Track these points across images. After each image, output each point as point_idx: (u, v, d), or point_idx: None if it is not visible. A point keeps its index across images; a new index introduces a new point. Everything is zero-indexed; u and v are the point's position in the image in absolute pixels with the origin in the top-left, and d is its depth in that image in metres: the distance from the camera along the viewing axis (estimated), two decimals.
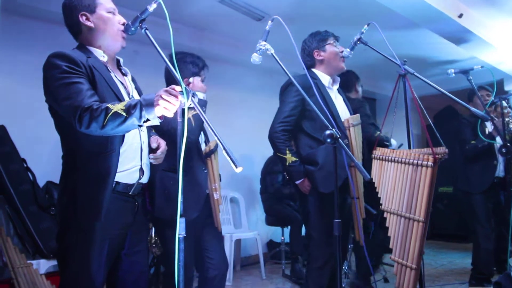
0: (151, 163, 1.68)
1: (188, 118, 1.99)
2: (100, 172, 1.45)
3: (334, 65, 2.34)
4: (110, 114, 1.32)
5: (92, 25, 1.56)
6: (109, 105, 1.35)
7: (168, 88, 1.33)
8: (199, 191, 2.09)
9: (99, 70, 1.51)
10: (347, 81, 3.48)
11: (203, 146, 2.22)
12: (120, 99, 1.51)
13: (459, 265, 4.36)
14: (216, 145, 2.22)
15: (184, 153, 2.00)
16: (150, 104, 1.34)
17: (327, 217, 2.17)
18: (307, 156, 2.27)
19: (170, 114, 1.35)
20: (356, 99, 3.36)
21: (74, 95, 1.36)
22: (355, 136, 2.21)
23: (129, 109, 1.33)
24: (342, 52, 2.29)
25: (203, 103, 2.06)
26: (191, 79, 2.16)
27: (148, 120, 1.37)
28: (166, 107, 1.31)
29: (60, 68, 1.40)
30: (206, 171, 2.13)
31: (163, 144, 1.66)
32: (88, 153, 1.46)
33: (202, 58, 2.25)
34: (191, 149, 2.08)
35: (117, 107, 1.34)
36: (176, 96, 1.31)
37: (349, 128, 2.21)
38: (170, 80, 2.24)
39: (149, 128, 1.71)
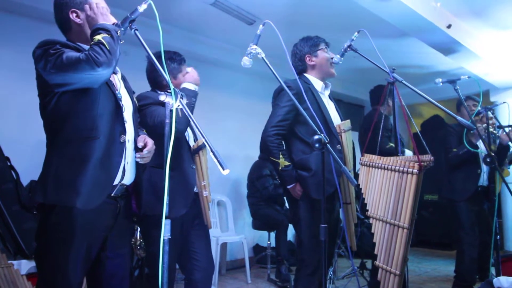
0: (137, 163, 1.66)
1: (176, 109, 1.98)
2: (79, 156, 1.43)
3: (325, 71, 2.35)
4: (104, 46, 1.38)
5: (81, 22, 1.55)
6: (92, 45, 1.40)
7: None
8: (188, 188, 2.07)
9: None
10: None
11: (191, 143, 2.21)
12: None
13: (443, 272, 4.40)
14: (202, 144, 2.22)
15: (173, 149, 2.00)
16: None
17: (318, 223, 2.17)
18: (299, 161, 2.26)
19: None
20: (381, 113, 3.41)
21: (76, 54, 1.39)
22: (347, 142, 2.22)
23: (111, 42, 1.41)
24: (332, 58, 2.31)
25: (193, 94, 2.04)
26: (188, 69, 2.14)
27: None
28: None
29: (49, 45, 1.42)
30: (194, 167, 2.13)
31: (150, 143, 1.64)
32: (70, 136, 1.45)
33: (179, 53, 2.22)
34: (181, 145, 2.06)
35: (97, 38, 1.41)
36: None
37: (341, 134, 2.21)
38: (155, 79, 2.21)
39: (136, 126, 1.69)
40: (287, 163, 2.22)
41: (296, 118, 2.26)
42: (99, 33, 1.42)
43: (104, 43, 1.38)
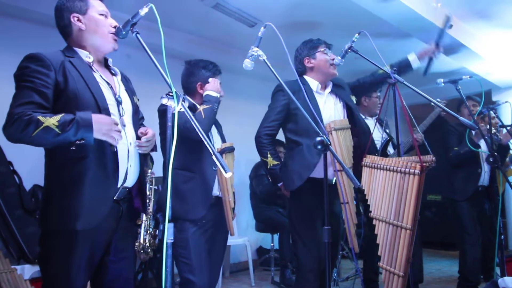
0: (141, 164, 1.66)
1: (199, 112, 2.03)
2: (73, 179, 1.43)
3: (324, 72, 2.36)
4: (40, 128, 1.33)
5: (83, 26, 1.56)
6: (40, 117, 1.34)
7: (115, 122, 1.46)
8: (207, 189, 2.09)
9: (79, 69, 1.50)
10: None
11: (217, 146, 2.24)
12: (96, 99, 1.50)
13: (447, 273, 4.39)
14: (229, 147, 2.23)
15: (194, 150, 2.01)
16: (87, 125, 1.38)
17: (306, 221, 2.23)
18: (284, 159, 2.38)
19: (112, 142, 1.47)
20: None
21: (20, 99, 1.38)
22: (339, 141, 2.19)
23: (64, 126, 1.35)
24: (333, 59, 2.31)
25: (215, 100, 2.10)
26: (210, 80, 2.19)
27: (82, 139, 1.40)
28: (113, 136, 1.44)
29: (26, 68, 1.42)
30: (215, 169, 2.12)
31: (150, 132, 1.65)
32: (62, 160, 1.45)
33: (217, 65, 2.29)
34: (203, 146, 2.07)
35: (49, 121, 1.35)
36: (118, 132, 1.47)
37: (331, 132, 2.19)
38: (184, 84, 2.27)
39: (137, 128, 1.69)
40: (275, 162, 2.29)
41: (287, 118, 2.32)
42: (62, 118, 1.36)
43: (36, 131, 1.33)
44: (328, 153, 1.67)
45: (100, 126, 1.41)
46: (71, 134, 1.37)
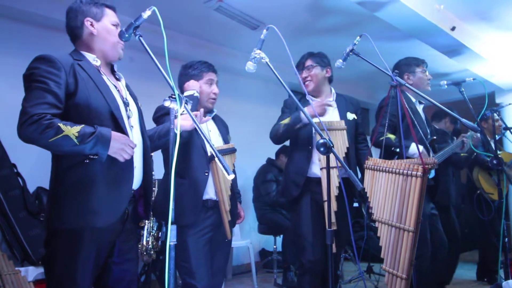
0: (145, 167, 1.67)
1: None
2: (83, 180, 1.44)
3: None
4: (60, 135, 1.34)
5: (95, 31, 1.60)
6: (61, 125, 1.35)
7: (130, 144, 1.47)
8: (197, 195, 2.06)
9: (88, 71, 1.52)
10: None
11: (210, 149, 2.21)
12: (107, 100, 1.52)
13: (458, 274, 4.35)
14: (226, 149, 2.21)
15: (183, 155, 2.01)
16: (105, 142, 1.40)
17: (306, 222, 2.31)
18: None
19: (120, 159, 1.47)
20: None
21: (33, 100, 1.38)
22: None
23: (84, 138, 1.37)
24: (305, 77, 2.44)
25: (190, 98, 2.04)
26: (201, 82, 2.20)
27: (96, 154, 1.41)
28: (122, 155, 1.45)
29: (37, 69, 1.43)
30: (207, 174, 2.11)
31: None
32: (70, 161, 1.45)
33: (208, 63, 2.27)
34: (192, 151, 2.07)
35: (70, 130, 1.35)
36: (131, 152, 1.47)
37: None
38: (180, 86, 2.27)
39: (143, 131, 1.70)
40: (286, 121, 2.42)
41: None
42: (82, 130, 1.37)
43: (55, 138, 1.33)
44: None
45: (114, 144, 1.43)
46: (88, 147, 1.38)
